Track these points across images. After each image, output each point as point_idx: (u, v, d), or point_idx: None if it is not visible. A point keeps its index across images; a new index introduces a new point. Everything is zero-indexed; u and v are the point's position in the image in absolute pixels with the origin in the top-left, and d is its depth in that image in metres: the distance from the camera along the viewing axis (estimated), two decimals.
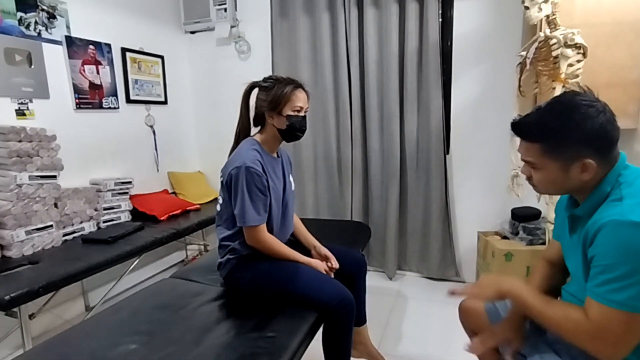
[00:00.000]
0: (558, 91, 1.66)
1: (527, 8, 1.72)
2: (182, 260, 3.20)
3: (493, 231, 2.50)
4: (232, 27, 2.99)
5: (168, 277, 1.68)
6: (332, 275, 1.48)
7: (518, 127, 0.92)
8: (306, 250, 1.59)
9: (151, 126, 2.89)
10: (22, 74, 2.05)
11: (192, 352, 1.11)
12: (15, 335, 1.78)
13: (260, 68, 2.93)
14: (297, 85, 1.45)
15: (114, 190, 2.41)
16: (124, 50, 2.63)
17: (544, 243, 2.13)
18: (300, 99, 1.44)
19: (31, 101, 2.09)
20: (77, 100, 2.32)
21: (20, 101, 2.04)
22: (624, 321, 0.76)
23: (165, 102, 3.02)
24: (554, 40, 1.67)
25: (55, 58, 2.20)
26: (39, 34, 2.13)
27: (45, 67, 2.15)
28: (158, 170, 2.97)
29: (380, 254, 2.81)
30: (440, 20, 2.46)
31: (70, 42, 2.27)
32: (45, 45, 2.15)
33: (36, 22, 2.11)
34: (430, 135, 2.56)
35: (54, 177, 2.07)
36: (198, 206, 2.84)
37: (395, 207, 2.68)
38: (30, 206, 1.95)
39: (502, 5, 2.37)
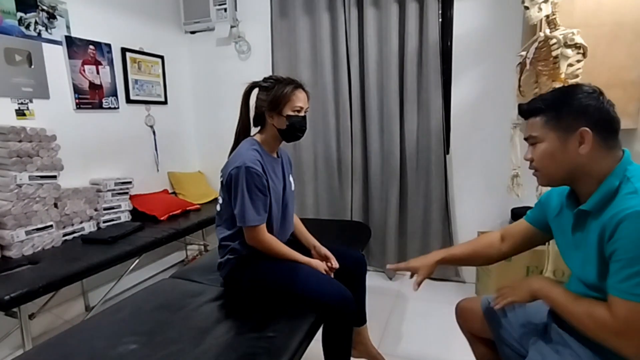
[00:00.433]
0: None
1: (527, 8, 1.72)
2: (182, 260, 3.20)
3: (489, 232, 2.50)
4: (232, 27, 2.99)
5: (168, 277, 1.69)
6: (332, 275, 1.48)
7: (524, 106, 0.95)
8: (306, 250, 1.59)
9: (151, 126, 2.89)
10: (22, 74, 2.05)
11: (192, 352, 1.11)
12: (15, 335, 1.78)
13: (260, 68, 2.93)
14: (297, 85, 1.45)
15: (114, 190, 2.41)
16: (124, 50, 2.63)
17: (543, 243, 2.13)
18: (300, 99, 1.44)
19: (31, 101, 2.09)
20: (77, 100, 2.32)
21: (20, 101, 2.04)
22: None
23: (165, 102, 3.02)
24: (554, 40, 1.67)
25: (55, 58, 2.20)
26: (39, 34, 2.13)
27: (45, 67, 2.15)
28: (158, 170, 2.96)
29: (380, 254, 2.81)
30: (440, 20, 2.46)
31: (70, 42, 2.27)
32: (45, 45, 2.15)
33: (36, 22, 2.11)
34: (430, 135, 2.56)
35: (54, 177, 2.07)
36: (198, 206, 2.84)
37: (395, 207, 2.68)
38: (30, 206, 1.95)
39: (502, 5, 2.37)
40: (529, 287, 0.97)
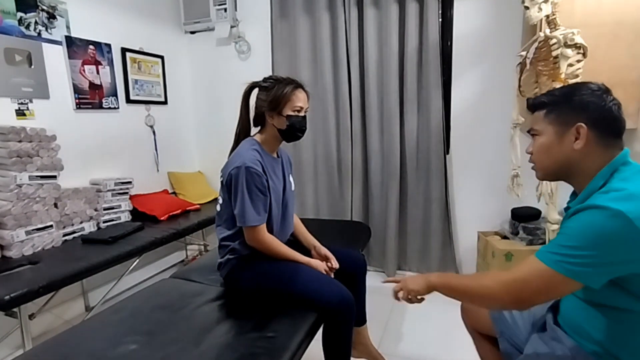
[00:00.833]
0: None
1: (527, 8, 1.73)
2: (182, 260, 3.19)
3: (493, 231, 2.51)
4: (232, 27, 2.99)
5: (168, 277, 1.68)
6: (332, 275, 1.48)
7: (531, 100, 0.98)
8: (306, 251, 1.59)
9: (151, 126, 2.89)
10: (22, 74, 2.05)
11: (192, 352, 1.11)
12: (15, 335, 1.78)
13: (260, 68, 2.93)
14: (297, 85, 1.45)
15: (114, 190, 2.41)
16: (124, 50, 2.63)
17: (544, 243, 2.13)
18: (300, 99, 1.44)
19: (31, 101, 2.09)
20: (77, 100, 2.32)
21: (20, 101, 2.04)
22: (550, 279, 0.80)
23: (165, 102, 3.02)
24: (554, 40, 1.67)
25: (55, 58, 2.20)
26: (39, 34, 2.13)
27: (45, 67, 2.15)
28: (158, 170, 2.96)
29: (380, 254, 2.81)
30: (440, 20, 2.46)
31: (70, 42, 2.27)
32: (45, 45, 2.15)
33: (36, 22, 2.11)
34: (430, 135, 2.56)
35: (54, 177, 2.07)
36: (198, 206, 2.84)
37: (395, 207, 2.68)
38: (30, 206, 1.95)
39: (502, 5, 2.37)
40: (427, 279, 1.03)
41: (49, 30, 2.17)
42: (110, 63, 2.53)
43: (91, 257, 1.86)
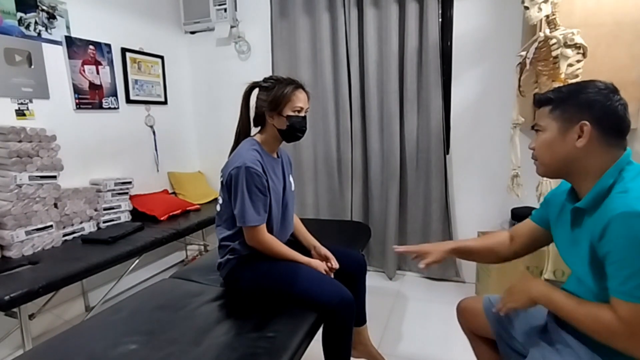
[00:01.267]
0: None
1: (527, 8, 1.72)
2: (182, 261, 3.19)
3: (493, 231, 2.50)
4: (232, 27, 2.99)
5: (168, 277, 1.68)
6: (332, 276, 1.48)
7: (538, 96, 0.97)
8: (306, 251, 1.59)
9: (151, 126, 2.89)
10: (22, 74, 2.05)
11: (192, 352, 1.11)
12: (15, 336, 1.78)
13: (260, 68, 2.93)
14: (298, 85, 1.45)
15: (114, 190, 2.41)
16: (124, 51, 2.63)
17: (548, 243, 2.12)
18: (300, 100, 1.44)
19: (31, 101, 2.09)
20: (77, 101, 2.32)
21: (20, 101, 2.04)
22: None
23: (165, 102, 3.02)
24: (554, 40, 1.67)
25: (55, 58, 2.20)
26: (39, 34, 2.13)
27: (45, 67, 2.15)
28: (158, 170, 2.97)
29: (380, 254, 2.81)
30: (440, 20, 2.46)
31: (70, 42, 2.27)
32: (45, 45, 2.15)
33: (36, 23, 2.11)
34: (430, 135, 2.56)
35: (54, 177, 2.07)
36: (198, 206, 2.84)
37: (395, 207, 2.68)
38: (30, 206, 1.95)
39: (502, 5, 2.37)
40: (528, 294, 0.96)
41: (49, 31, 2.17)
42: (110, 63, 2.53)
43: (91, 257, 1.86)
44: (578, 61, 1.67)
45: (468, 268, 2.68)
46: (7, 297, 1.47)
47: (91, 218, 2.28)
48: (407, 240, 2.76)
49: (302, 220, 1.74)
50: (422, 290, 2.59)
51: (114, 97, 2.57)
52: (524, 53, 1.87)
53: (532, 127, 0.98)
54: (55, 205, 2.09)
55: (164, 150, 2.99)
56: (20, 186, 1.90)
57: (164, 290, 1.54)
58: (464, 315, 1.29)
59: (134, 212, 2.54)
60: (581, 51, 1.65)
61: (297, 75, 2.71)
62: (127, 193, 2.51)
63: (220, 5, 2.94)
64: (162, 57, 2.96)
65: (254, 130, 1.55)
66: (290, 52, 2.85)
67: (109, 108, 2.54)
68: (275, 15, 2.84)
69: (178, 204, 2.74)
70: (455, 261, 2.66)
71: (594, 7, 1.86)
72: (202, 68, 3.22)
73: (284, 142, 1.52)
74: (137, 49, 2.74)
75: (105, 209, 2.36)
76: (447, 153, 2.61)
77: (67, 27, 2.27)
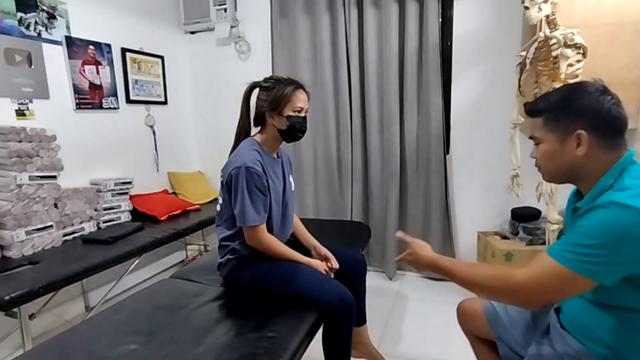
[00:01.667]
0: None
1: (527, 8, 1.72)
2: (182, 261, 3.19)
3: (493, 231, 2.51)
4: (232, 27, 2.99)
5: (168, 277, 1.68)
6: (332, 276, 1.48)
7: (528, 106, 0.97)
8: (306, 251, 1.59)
9: (151, 126, 2.89)
10: (22, 74, 2.05)
11: (192, 352, 1.11)
12: (15, 336, 1.78)
13: (260, 68, 2.93)
14: (298, 85, 1.45)
15: (114, 190, 2.41)
16: (124, 51, 2.63)
17: (544, 243, 2.13)
18: (300, 100, 1.44)
19: (31, 101, 2.09)
20: (77, 101, 2.32)
21: (20, 101, 2.04)
22: (563, 279, 0.79)
23: (165, 102, 3.02)
24: (554, 40, 1.67)
25: (55, 58, 2.20)
26: (39, 34, 2.13)
27: (45, 67, 2.15)
28: (158, 170, 2.97)
29: (380, 254, 2.81)
30: (440, 20, 2.46)
31: (70, 42, 2.27)
32: (45, 45, 2.15)
33: (36, 23, 2.11)
34: (430, 135, 2.56)
35: (54, 177, 2.07)
36: (198, 206, 2.84)
37: (395, 207, 2.68)
38: (30, 206, 1.95)
39: (502, 5, 2.37)
40: (432, 261, 1.07)
41: (49, 31, 2.17)
42: (110, 63, 2.53)
43: (91, 257, 1.87)
44: (578, 61, 1.66)
45: None
46: (7, 297, 1.47)
47: (91, 218, 2.28)
48: None
49: (302, 220, 1.74)
50: (422, 290, 2.59)
51: (114, 97, 2.57)
52: (524, 53, 1.88)
53: (530, 138, 0.97)
54: (55, 205, 2.09)
55: (164, 150, 2.99)
56: (20, 186, 1.90)
57: (164, 290, 1.54)
58: (464, 316, 1.29)
59: (134, 212, 2.54)
60: (581, 51, 1.65)
61: (297, 75, 2.71)
62: (127, 193, 2.51)
63: (220, 5, 2.94)
64: (162, 57, 2.96)
65: (254, 130, 1.55)
66: (290, 52, 2.85)
67: (109, 108, 2.54)
68: (275, 15, 2.84)
69: (178, 204, 2.74)
70: None
71: (594, 7, 1.87)
72: (202, 68, 3.22)
73: (284, 142, 1.52)
74: (137, 49, 2.74)
75: (105, 209, 2.36)
76: (447, 153, 2.61)
77: (67, 27, 2.27)
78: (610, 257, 0.75)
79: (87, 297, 2.43)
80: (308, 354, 1.27)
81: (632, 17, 1.83)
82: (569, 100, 0.88)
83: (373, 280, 2.71)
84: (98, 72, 2.45)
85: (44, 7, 2.14)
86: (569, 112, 0.87)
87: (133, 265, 2.21)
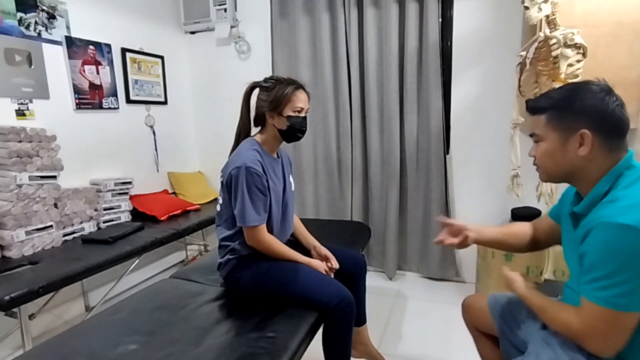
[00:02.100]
0: None
1: (527, 8, 1.72)
2: (182, 261, 3.20)
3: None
4: (232, 27, 2.99)
5: (168, 278, 1.68)
6: (332, 276, 1.48)
7: (531, 103, 0.96)
8: (306, 251, 1.59)
9: (151, 126, 2.89)
10: (22, 74, 2.05)
11: (192, 352, 1.11)
12: (15, 336, 1.78)
13: (260, 68, 2.93)
14: (298, 86, 1.45)
15: (114, 190, 2.41)
16: (124, 51, 2.63)
17: None
18: (301, 100, 1.44)
19: (31, 101, 2.09)
20: (77, 101, 2.32)
21: (20, 101, 2.04)
22: (608, 318, 0.79)
23: (165, 102, 3.02)
24: (554, 40, 1.67)
25: (55, 58, 2.20)
26: (39, 34, 2.13)
27: (45, 67, 2.15)
28: (158, 170, 2.97)
29: (380, 254, 2.81)
30: (440, 20, 2.46)
31: (70, 42, 2.27)
32: (45, 45, 2.15)
33: (36, 23, 2.11)
34: (430, 135, 2.56)
35: (54, 177, 2.07)
36: (198, 206, 2.84)
37: (395, 207, 2.68)
38: (30, 206, 1.95)
39: (502, 5, 2.37)
40: (515, 290, 1.03)
41: (49, 31, 2.17)
42: (110, 63, 2.53)
43: (91, 257, 1.87)
44: (578, 61, 1.66)
45: (468, 268, 2.68)
46: (7, 297, 1.47)
47: (91, 218, 2.28)
48: (407, 240, 2.76)
49: (302, 220, 1.74)
50: (422, 290, 2.59)
51: (114, 97, 2.57)
52: (524, 53, 1.87)
53: (530, 135, 0.97)
54: (55, 205, 2.09)
55: (164, 150, 2.99)
56: (20, 186, 1.90)
57: (164, 290, 1.54)
58: (469, 311, 1.30)
59: (134, 212, 2.54)
60: (581, 51, 1.65)
61: (297, 75, 2.71)
62: (127, 193, 2.51)
63: (220, 5, 2.94)
64: (162, 57, 2.96)
65: (254, 130, 1.55)
66: (290, 52, 2.85)
67: (109, 108, 2.54)
68: (275, 15, 2.84)
69: (178, 204, 2.74)
70: (455, 261, 2.66)
71: (594, 7, 1.86)
72: (202, 68, 3.22)
73: (284, 142, 1.52)
74: (137, 49, 2.74)
75: (105, 209, 2.36)
76: (447, 153, 2.61)
77: (67, 27, 2.27)
78: (633, 281, 0.75)
79: (87, 297, 2.43)
80: (308, 354, 1.27)
81: (632, 17, 1.83)
82: (573, 99, 0.87)
83: (373, 280, 2.71)
84: (98, 72, 2.45)
85: (44, 7, 2.14)
86: (574, 111, 0.86)
87: (133, 265, 2.21)
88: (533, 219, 2.30)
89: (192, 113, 3.31)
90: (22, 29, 2.05)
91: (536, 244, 1.19)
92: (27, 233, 1.93)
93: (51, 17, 2.18)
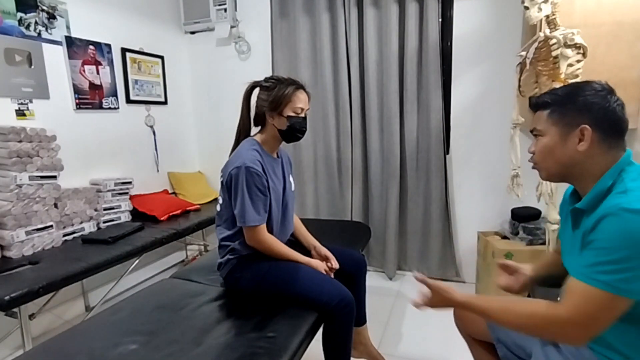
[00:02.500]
0: None
1: (527, 8, 1.72)
2: (182, 261, 3.20)
3: (493, 231, 2.50)
4: (232, 27, 2.99)
5: (168, 278, 1.68)
6: (332, 276, 1.48)
7: (534, 99, 0.97)
8: (306, 251, 1.59)
9: (151, 126, 2.89)
10: (22, 74, 2.05)
11: (192, 352, 1.11)
12: (15, 336, 1.78)
13: (260, 68, 2.93)
14: (299, 86, 1.45)
15: (114, 190, 2.41)
16: (124, 51, 2.63)
17: (544, 243, 2.13)
18: (301, 100, 1.44)
19: (31, 101, 2.09)
20: (77, 101, 2.32)
21: (20, 101, 2.04)
22: (604, 303, 0.76)
23: (165, 102, 3.02)
24: (554, 40, 1.67)
25: (55, 58, 2.20)
26: (39, 34, 2.13)
27: (45, 67, 2.15)
28: (158, 170, 2.97)
29: (380, 254, 2.81)
30: (440, 20, 2.46)
31: (70, 42, 2.27)
32: (45, 45, 2.15)
33: (36, 23, 2.11)
34: (430, 135, 2.56)
35: (54, 177, 2.07)
36: (198, 206, 2.84)
37: (395, 207, 2.68)
38: (30, 206, 1.95)
39: (502, 5, 2.37)
40: (450, 302, 1.02)
41: (49, 31, 2.17)
42: (110, 63, 2.53)
43: (91, 257, 1.87)
44: (578, 61, 1.66)
45: (468, 268, 2.68)
46: (7, 297, 1.47)
47: (91, 218, 2.28)
48: (407, 240, 2.76)
49: (302, 220, 1.74)
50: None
51: (114, 97, 2.57)
52: (524, 53, 1.87)
53: (531, 131, 0.97)
54: (56, 205, 2.09)
55: (164, 150, 2.99)
56: (20, 186, 1.90)
57: (164, 290, 1.54)
58: (462, 318, 1.28)
59: (134, 212, 2.54)
60: (581, 51, 1.65)
61: (297, 75, 2.71)
62: (127, 193, 2.51)
63: (220, 5, 2.94)
64: (162, 57, 2.96)
65: (254, 130, 1.55)
66: (290, 52, 2.85)
67: (109, 108, 2.54)
68: (275, 15, 2.84)
69: (178, 204, 2.74)
70: (455, 261, 2.66)
71: (594, 7, 1.86)
72: (202, 68, 3.22)
73: (284, 142, 1.52)
74: (137, 49, 2.74)
75: (105, 209, 2.36)
76: (447, 153, 2.61)
77: (67, 27, 2.27)
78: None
79: (87, 297, 2.43)
80: (308, 354, 1.27)
81: (632, 17, 1.83)
82: (577, 95, 0.88)
83: (373, 280, 2.71)
84: (98, 72, 2.45)
85: (44, 7, 2.14)
86: (575, 106, 0.87)
87: (133, 265, 2.21)
88: (533, 219, 2.33)
89: (192, 113, 3.31)
90: (22, 29, 2.05)
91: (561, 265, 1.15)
92: (27, 233, 1.93)
93: (51, 17, 2.18)
